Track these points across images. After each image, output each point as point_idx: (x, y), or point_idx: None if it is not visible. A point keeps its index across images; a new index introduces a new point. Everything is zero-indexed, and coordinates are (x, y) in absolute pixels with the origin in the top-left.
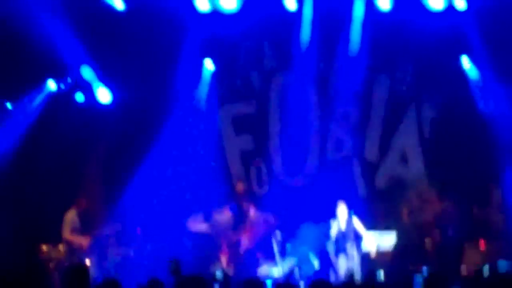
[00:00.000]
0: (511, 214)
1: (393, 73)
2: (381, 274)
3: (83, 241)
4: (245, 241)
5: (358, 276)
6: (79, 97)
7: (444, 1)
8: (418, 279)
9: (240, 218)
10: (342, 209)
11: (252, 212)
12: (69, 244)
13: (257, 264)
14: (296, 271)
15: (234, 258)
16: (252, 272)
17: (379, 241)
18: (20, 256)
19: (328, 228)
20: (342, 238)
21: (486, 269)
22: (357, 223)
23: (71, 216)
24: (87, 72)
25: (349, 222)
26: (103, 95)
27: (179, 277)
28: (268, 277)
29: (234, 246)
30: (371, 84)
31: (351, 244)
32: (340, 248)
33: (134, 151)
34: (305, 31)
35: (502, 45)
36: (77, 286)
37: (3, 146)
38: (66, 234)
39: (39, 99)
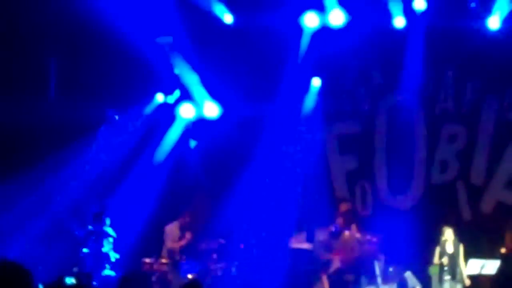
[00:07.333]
0: None
1: (502, 95)
2: None
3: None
4: (346, 262)
5: None
6: (187, 110)
7: None
8: None
9: (341, 238)
10: (448, 233)
11: (354, 233)
12: (171, 255)
13: (359, 287)
14: None
15: (333, 278)
16: None
17: (482, 267)
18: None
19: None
20: (450, 262)
21: None
22: (461, 249)
23: (173, 228)
24: (195, 86)
25: (456, 246)
26: (211, 108)
27: None
28: None
29: (334, 266)
30: (479, 106)
31: (458, 269)
32: (446, 272)
33: (240, 166)
34: (413, 50)
35: None
36: None
37: (110, 157)
38: (168, 243)
39: (146, 112)
